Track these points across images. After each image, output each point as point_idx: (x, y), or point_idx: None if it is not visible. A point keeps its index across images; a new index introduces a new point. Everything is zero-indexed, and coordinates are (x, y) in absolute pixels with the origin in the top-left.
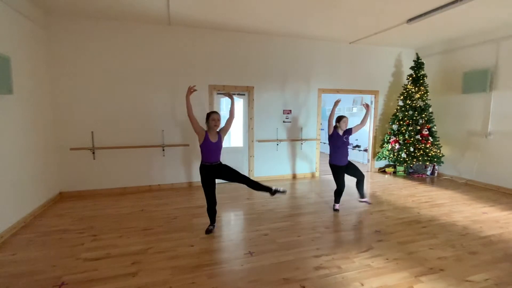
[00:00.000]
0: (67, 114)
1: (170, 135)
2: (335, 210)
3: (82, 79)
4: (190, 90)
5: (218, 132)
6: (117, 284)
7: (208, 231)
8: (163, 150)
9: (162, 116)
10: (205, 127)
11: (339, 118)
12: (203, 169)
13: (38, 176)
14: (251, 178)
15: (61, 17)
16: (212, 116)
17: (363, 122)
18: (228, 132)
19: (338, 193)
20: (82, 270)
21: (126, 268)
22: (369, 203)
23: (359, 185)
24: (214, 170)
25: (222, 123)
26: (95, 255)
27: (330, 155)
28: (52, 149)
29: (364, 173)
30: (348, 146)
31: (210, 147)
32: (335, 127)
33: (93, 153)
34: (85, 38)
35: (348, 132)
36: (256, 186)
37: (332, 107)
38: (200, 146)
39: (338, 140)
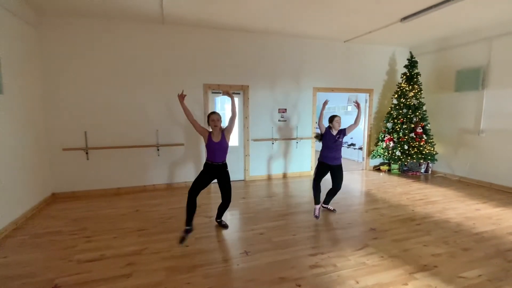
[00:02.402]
0: (60, 114)
1: (164, 135)
2: (316, 217)
3: (74, 78)
4: (182, 96)
5: (222, 132)
6: (111, 285)
7: (181, 239)
8: (158, 150)
9: (156, 115)
10: (207, 127)
11: (332, 118)
12: (205, 166)
13: (30, 177)
14: (246, 178)
15: (52, 16)
16: (211, 117)
17: (356, 121)
18: (232, 131)
19: (316, 185)
20: (76, 272)
21: (121, 269)
22: (332, 210)
23: (332, 192)
24: (214, 170)
25: (226, 122)
26: (89, 257)
27: (320, 153)
28: (44, 149)
29: (358, 171)
30: (342, 146)
31: (213, 147)
32: (328, 127)
33: (87, 153)
34: (78, 37)
35: (342, 132)
36: (223, 208)
37: (321, 109)
38: (206, 146)
39: (330, 140)
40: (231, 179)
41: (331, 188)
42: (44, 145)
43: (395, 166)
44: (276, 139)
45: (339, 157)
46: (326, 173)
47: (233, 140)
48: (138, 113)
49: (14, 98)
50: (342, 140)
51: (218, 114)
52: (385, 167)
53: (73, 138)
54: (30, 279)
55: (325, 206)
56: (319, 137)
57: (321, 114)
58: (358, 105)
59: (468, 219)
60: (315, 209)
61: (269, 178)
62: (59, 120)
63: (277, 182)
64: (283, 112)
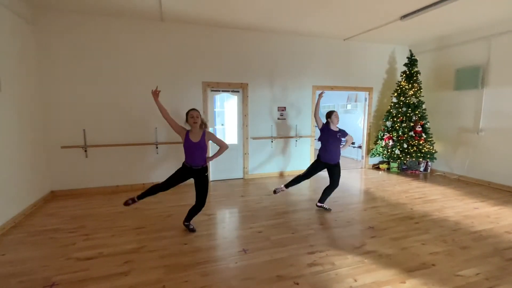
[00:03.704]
0: (58, 112)
1: (163, 133)
2: (274, 191)
3: (72, 75)
4: (156, 93)
5: (203, 133)
6: (109, 283)
7: (126, 203)
8: (157, 147)
9: (155, 113)
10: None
11: (330, 114)
12: (183, 166)
13: (28, 175)
14: (245, 176)
15: (49, 12)
16: (190, 113)
17: (348, 140)
18: (211, 141)
19: (300, 178)
20: (74, 270)
21: (119, 267)
22: (327, 208)
23: (328, 190)
24: (192, 173)
25: (227, 122)
26: (87, 255)
27: (320, 151)
28: (43, 147)
29: (358, 169)
30: (341, 144)
31: (191, 147)
32: (327, 123)
33: (85, 151)
34: (75, 34)
35: (344, 134)
36: (194, 211)
37: (317, 100)
38: (183, 146)
39: (330, 136)
40: (230, 178)
41: (328, 186)
42: (43, 143)
43: (394, 165)
44: (275, 137)
45: (338, 155)
46: (319, 170)
47: (232, 138)
48: (137, 110)
49: (12, 96)
50: (341, 139)
51: (198, 111)
52: (384, 166)
53: (71, 135)
54: (28, 276)
55: (320, 205)
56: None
57: (317, 106)
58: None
59: (467, 217)
60: (280, 187)
61: (268, 176)
62: (57, 117)
63: (276, 181)
64: (282, 110)
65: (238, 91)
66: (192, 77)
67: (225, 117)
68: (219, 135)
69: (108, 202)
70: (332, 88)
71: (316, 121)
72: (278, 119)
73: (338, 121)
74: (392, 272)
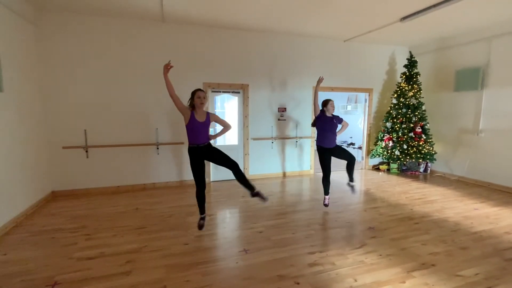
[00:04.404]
0: (59, 112)
1: (164, 133)
2: (325, 205)
3: (74, 76)
4: (167, 67)
5: (207, 113)
6: (111, 283)
7: (200, 226)
8: (158, 148)
9: (156, 114)
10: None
11: (326, 102)
12: (191, 151)
13: (30, 175)
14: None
15: (51, 13)
16: (197, 94)
17: (343, 125)
18: (215, 122)
19: (325, 181)
20: (75, 269)
21: (120, 267)
22: (353, 186)
23: (349, 167)
24: (202, 152)
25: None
26: (89, 254)
27: (317, 138)
28: (44, 147)
29: (358, 170)
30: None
31: (197, 127)
32: (322, 111)
33: (86, 151)
34: (77, 35)
35: (338, 119)
36: (241, 178)
37: (316, 86)
38: (186, 126)
39: (326, 123)
40: (231, 178)
41: (347, 164)
42: (44, 143)
43: (394, 166)
44: (275, 138)
45: (335, 139)
46: (330, 159)
47: (233, 139)
48: (138, 111)
49: (14, 96)
50: (337, 124)
51: (204, 92)
52: (384, 167)
53: (73, 136)
54: (29, 276)
55: (352, 183)
56: (314, 122)
57: (316, 91)
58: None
59: (466, 218)
60: (325, 199)
61: (269, 177)
62: (59, 118)
63: (277, 181)
64: (283, 111)
65: (238, 92)
66: (193, 77)
67: (226, 117)
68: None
69: (109, 202)
70: (332, 89)
71: (314, 108)
72: (279, 120)
73: (333, 110)
74: (392, 272)
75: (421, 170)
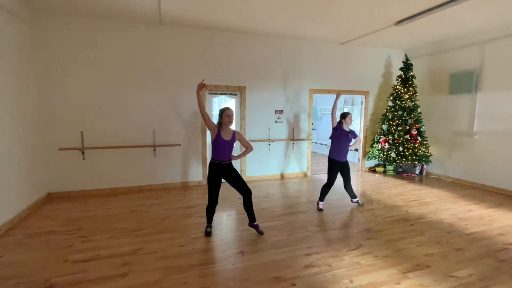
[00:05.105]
0: (55, 114)
1: (161, 135)
2: (320, 209)
3: (70, 78)
4: (201, 86)
5: (233, 132)
6: (107, 285)
7: (207, 233)
8: (154, 150)
9: (153, 116)
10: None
11: (345, 115)
12: (211, 166)
13: (25, 176)
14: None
15: (47, 14)
16: (226, 112)
17: (356, 141)
18: (239, 141)
19: (326, 189)
20: (71, 271)
21: (116, 269)
22: (360, 204)
23: (348, 186)
24: (221, 169)
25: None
26: (85, 257)
27: (331, 149)
28: (40, 149)
29: (354, 172)
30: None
31: (222, 144)
32: (340, 123)
33: (83, 153)
34: (73, 36)
35: (353, 133)
36: (249, 205)
37: (334, 100)
38: (212, 142)
39: (342, 135)
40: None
41: (344, 183)
42: (40, 145)
43: (390, 168)
44: (272, 140)
45: (346, 154)
46: (337, 171)
47: None
48: (134, 113)
49: (9, 97)
50: (351, 139)
51: (232, 110)
52: (380, 169)
53: (69, 138)
54: (25, 278)
55: (355, 201)
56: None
57: (335, 104)
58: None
59: (461, 219)
60: (318, 203)
61: (266, 178)
62: (55, 119)
63: (274, 183)
64: (280, 113)
65: (236, 94)
66: (190, 79)
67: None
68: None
69: (105, 204)
70: (329, 91)
71: (332, 119)
72: (276, 122)
73: (351, 122)
74: (388, 273)
75: (417, 172)
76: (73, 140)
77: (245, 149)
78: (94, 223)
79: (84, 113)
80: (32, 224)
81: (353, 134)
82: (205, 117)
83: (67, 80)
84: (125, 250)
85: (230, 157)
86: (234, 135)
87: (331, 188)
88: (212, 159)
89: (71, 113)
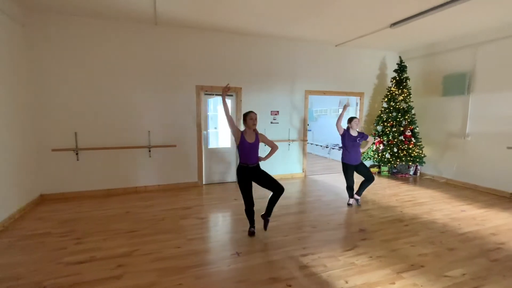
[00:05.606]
0: (49, 114)
1: (156, 136)
2: (348, 205)
3: (64, 78)
4: (225, 90)
5: (256, 134)
6: (101, 287)
7: (251, 233)
8: (150, 151)
9: (148, 116)
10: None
11: (350, 119)
12: (240, 170)
13: (17, 178)
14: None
15: (41, 14)
16: (250, 115)
17: (369, 141)
18: (263, 142)
19: (348, 189)
20: (65, 274)
21: (111, 271)
22: (358, 204)
23: (364, 184)
24: (251, 172)
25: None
26: (79, 259)
27: (342, 154)
28: (33, 150)
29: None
30: (359, 146)
31: (247, 147)
32: (347, 128)
33: (77, 154)
34: (67, 36)
35: (362, 136)
36: (274, 201)
37: (341, 111)
38: (237, 147)
39: (349, 139)
40: (225, 181)
41: (364, 180)
42: (33, 146)
43: (384, 169)
44: None
45: (359, 156)
46: (353, 173)
47: (226, 142)
48: (129, 114)
49: (1, 97)
50: (360, 142)
51: (256, 114)
52: (375, 169)
53: (62, 138)
54: (17, 281)
55: (357, 197)
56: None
57: (341, 116)
58: (344, 107)
59: (454, 220)
60: (349, 200)
61: None
62: (48, 120)
63: None
64: (276, 114)
65: (231, 95)
66: (185, 80)
67: (219, 120)
68: (212, 139)
69: (99, 206)
70: (324, 92)
71: (337, 128)
72: (271, 123)
73: (357, 126)
74: (383, 273)
75: (411, 172)
76: (66, 140)
77: (270, 149)
78: (88, 225)
79: (78, 114)
80: (25, 226)
81: (363, 137)
82: (230, 121)
83: (60, 80)
84: (120, 252)
85: (257, 159)
86: (258, 137)
87: (324, 186)
88: (240, 163)
89: (65, 114)
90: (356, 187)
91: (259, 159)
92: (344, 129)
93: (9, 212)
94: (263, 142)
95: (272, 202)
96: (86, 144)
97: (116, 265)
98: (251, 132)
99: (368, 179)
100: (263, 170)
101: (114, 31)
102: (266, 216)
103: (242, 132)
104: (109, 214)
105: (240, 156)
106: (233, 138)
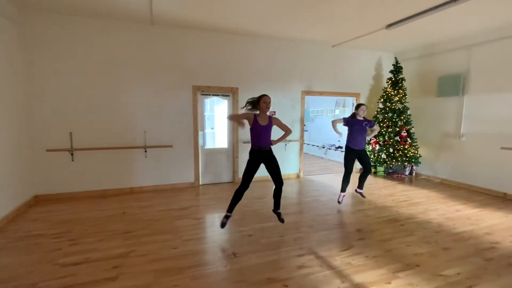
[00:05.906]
0: (43, 114)
1: (152, 136)
2: (338, 202)
3: (59, 77)
4: (236, 123)
5: (269, 117)
6: None
7: (223, 224)
8: (145, 151)
9: (144, 117)
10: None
11: (358, 106)
12: (252, 153)
13: (10, 178)
14: (235, 180)
15: (36, 14)
16: (263, 99)
17: (375, 129)
18: (277, 126)
19: (345, 178)
20: (60, 275)
21: (107, 272)
22: (364, 197)
23: (363, 176)
24: (263, 155)
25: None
26: (74, 260)
27: (347, 138)
28: (26, 150)
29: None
30: (364, 131)
31: (259, 130)
32: (353, 114)
33: (72, 154)
34: (63, 36)
35: (368, 122)
36: (278, 194)
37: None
38: (250, 130)
39: (356, 124)
40: (221, 181)
41: (362, 172)
42: (27, 146)
43: (380, 169)
44: None
45: (364, 142)
46: (354, 160)
47: (222, 142)
48: (125, 114)
49: None
50: (366, 128)
51: (270, 97)
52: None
53: (57, 138)
54: (11, 283)
55: (359, 191)
56: (346, 122)
57: (335, 126)
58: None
59: (449, 219)
60: (339, 195)
61: (258, 180)
62: (42, 120)
63: (266, 184)
64: (272, 114)
65: (228, 95)
66: (182, 80)
67: (215, 121)
68: (209, 139)
69: (95, 207)
70: (320, 93)
71: (336, 131)
72: None
73: (363, 113)
74: (379, 273)
75: (407, 173)
76: (61, 141)
77: (283, 132)
78: (83, 226)
79: (73, 114)
80: (19, 227)
81: (369, 123)
82: (240, 115)
83: (55, 79)
84: (116, 253)
85: (270, 143)
86: (271, 120)
87: (321, 186)
88: (252, 146)
89: (60, 114)
90: (354, 186)
91: (272, 142)
92: (348, 117)
93: (3, 213)
94: (276, 125)
95: (277, 195)
96: (81, 144)
97: (112, 266)
98: (264, 115)
99: (367, 169)
100: (274, 156)
101: (109, 31)
102: (276, 209)
103: (255, 115)
104: (104, 215)
105: (252, 140)
106: (229, 138)
